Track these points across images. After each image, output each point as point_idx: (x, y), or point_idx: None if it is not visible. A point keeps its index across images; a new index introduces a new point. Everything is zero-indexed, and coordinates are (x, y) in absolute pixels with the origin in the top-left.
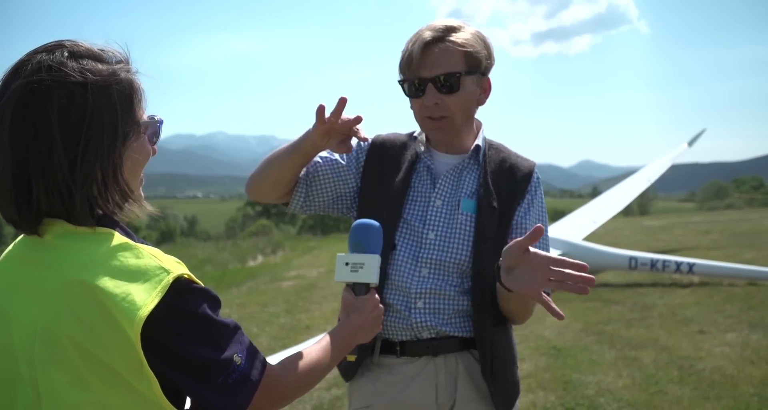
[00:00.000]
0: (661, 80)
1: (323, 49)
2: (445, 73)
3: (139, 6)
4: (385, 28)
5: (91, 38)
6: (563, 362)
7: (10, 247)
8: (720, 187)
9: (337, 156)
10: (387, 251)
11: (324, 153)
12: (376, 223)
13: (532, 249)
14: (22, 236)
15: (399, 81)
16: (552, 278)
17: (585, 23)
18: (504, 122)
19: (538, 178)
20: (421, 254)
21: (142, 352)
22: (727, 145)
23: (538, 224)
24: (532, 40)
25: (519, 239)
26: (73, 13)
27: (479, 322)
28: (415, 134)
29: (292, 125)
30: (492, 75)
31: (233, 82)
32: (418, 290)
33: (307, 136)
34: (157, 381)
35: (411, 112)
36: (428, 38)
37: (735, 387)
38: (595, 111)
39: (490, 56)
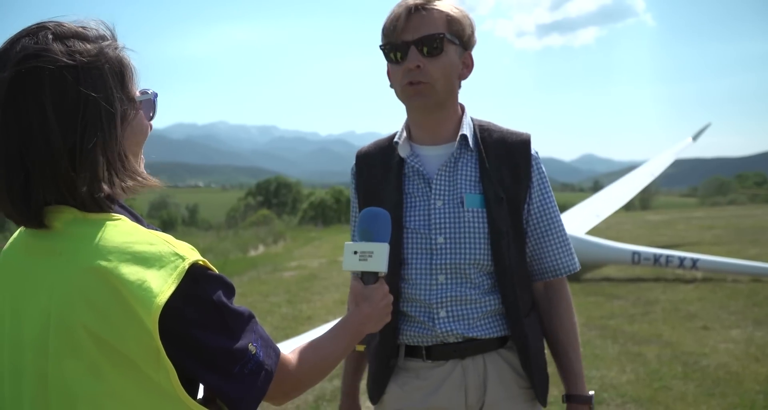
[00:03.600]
0: (665, 74)
1: (325, 39)
2: (429, 35)
3: None
4: None
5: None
6: None
7: (15, 235)
8: (722, 182)
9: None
10: (396, 268)
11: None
12: (384, 211)
13: None
14: None
15: (381, 46)
16: None
17: (591, 15)
18: (505, 114)
19: (536, 153)
20: (434, 261)
21: (159, 340)
22: (731, 140)
23: None
24: (537, 32)
25: None
26: (77, 3)
27: (514, 321)
28: (395, 139)
29: (294, 115)
30: (494, 67)
31: (235, 72)
32: (438, 300)
33: None
34: (174, 370)
35: None
36: (413, 3)
37: (740, 384)
38: (598, 105)
39: (472, 32)
